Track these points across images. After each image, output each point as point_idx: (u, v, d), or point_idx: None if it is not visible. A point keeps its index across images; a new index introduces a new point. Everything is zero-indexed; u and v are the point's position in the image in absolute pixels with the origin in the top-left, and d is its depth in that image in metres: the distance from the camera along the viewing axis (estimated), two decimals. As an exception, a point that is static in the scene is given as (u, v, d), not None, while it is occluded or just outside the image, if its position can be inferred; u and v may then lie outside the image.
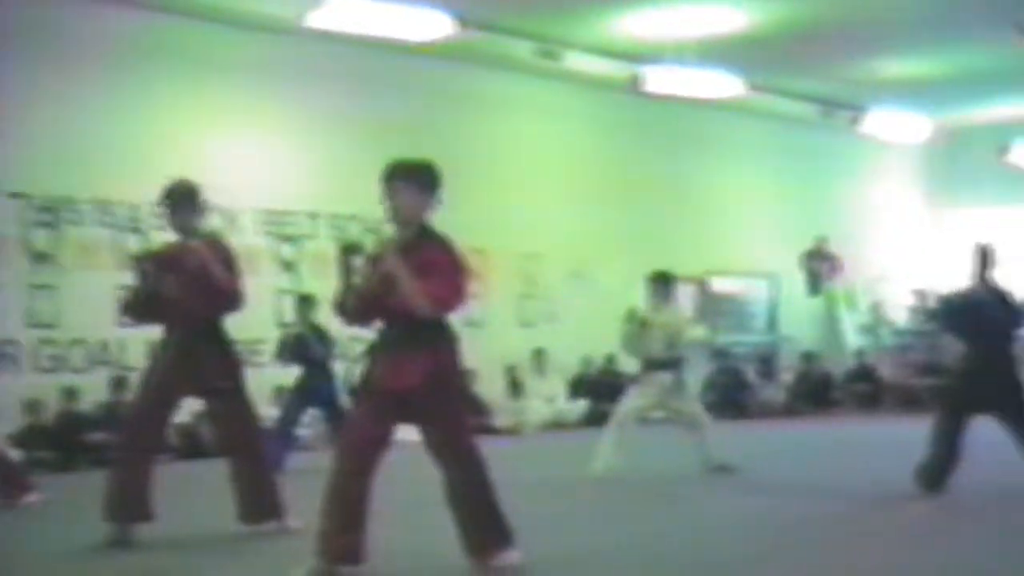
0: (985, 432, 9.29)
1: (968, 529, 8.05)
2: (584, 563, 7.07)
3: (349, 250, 6.37)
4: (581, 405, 18.56)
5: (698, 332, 11.79)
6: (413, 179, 6.23)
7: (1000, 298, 9.59)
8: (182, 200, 8.02)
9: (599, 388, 18.59)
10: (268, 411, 15.85)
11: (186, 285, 7.83)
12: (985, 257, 9.65)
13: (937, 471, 9.10)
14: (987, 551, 7.19)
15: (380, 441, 6.16)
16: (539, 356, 18.99)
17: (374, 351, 6.26)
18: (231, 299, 7.94)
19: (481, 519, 6.34)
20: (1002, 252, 25.48)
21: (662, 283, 11.45)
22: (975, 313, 9.38)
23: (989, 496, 9.24)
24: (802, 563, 6.97)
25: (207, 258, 7.83)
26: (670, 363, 11.23)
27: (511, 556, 6.40)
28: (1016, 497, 9.23)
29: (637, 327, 11.19)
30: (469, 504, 6.31)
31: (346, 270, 6.28)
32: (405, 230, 6.25)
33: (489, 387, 18.40)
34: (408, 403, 6.12)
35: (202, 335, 7.92)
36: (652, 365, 11.20)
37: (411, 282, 5.98)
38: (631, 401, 11.27)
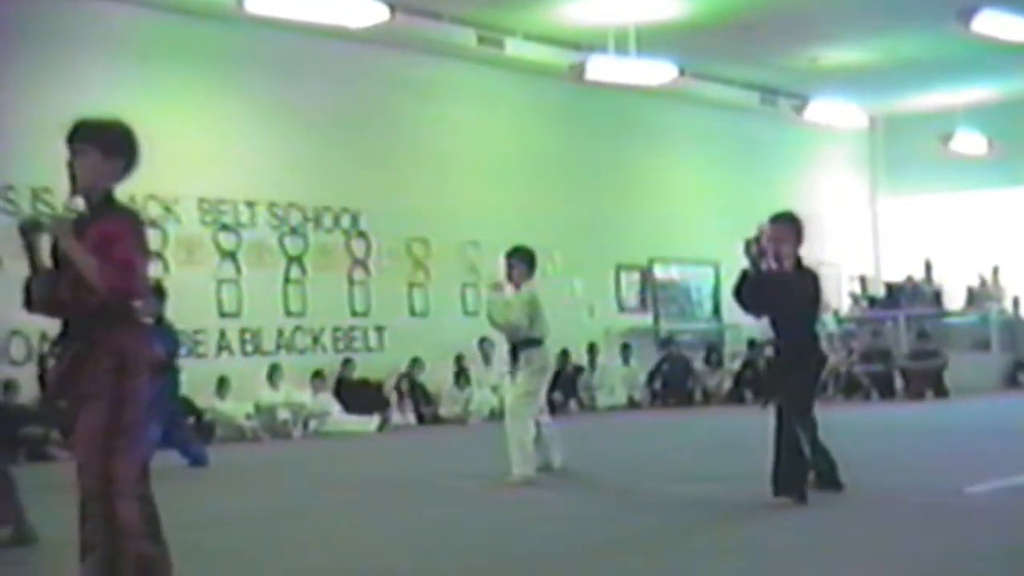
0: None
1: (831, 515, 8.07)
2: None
3: (29, 228, 5.27)
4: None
5: (512, 316, 10.21)
6: (96, 141, 5.19)
7: (808, 278, 8.39)
8: None
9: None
10: (212, 402, 15.82)
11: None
12: (794, 231, 8.35)
13: (826, 473, 8.31)
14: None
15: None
16: (484, 345, 18.90)
17: (57, 350, 5.40)
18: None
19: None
20: (946, 237, 25.81)
21: (519, 260, 10.31)
22: (774, 295, 8.20)
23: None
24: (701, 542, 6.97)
25: None
26: (515, 348, 10.32)
27: None
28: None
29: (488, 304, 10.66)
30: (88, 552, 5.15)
31: (30, 252, 5.22)
32: (88, 200, 5.19)
33: (436, 376, 18.33)
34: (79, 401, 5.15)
35: None
36: (517, 347, 10.30)
37: (86, 261, 4.98)
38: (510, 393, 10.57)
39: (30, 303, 5.32)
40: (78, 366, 5.12)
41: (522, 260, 10.34)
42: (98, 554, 5.02)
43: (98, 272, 4.96)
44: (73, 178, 5.20)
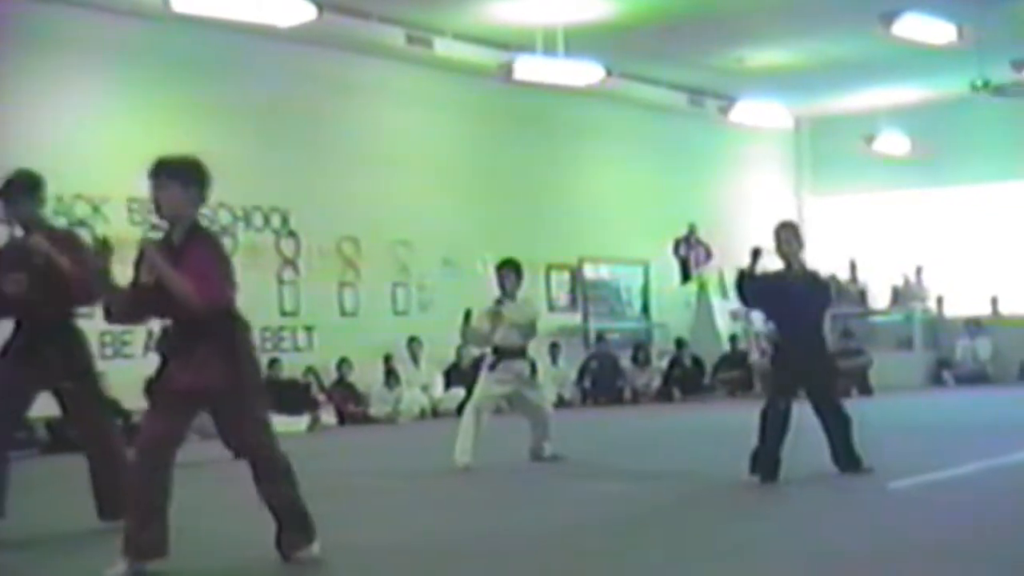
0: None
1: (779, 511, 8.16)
2: (426, 550, 7.04)
3: (100, 249, 6.31)
4: (456, 394, 18.46)
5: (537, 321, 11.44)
6: (178, 176, 6.12)
7: (810, 279, 9.38)
8: (20, 191, 7.56)
9: (474, 377, 18.46)
10: (140, 403, 15.63)
11: (32, 282, 7.42)
12: (794, 235, 9.31)
13: (768, 460, 8.85)
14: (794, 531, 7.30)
15: (173, 439, 6.17)
16: (413, 345, 18.89)
17: (164, 348, 6.23)
18: (80, 292, 7.54)
19: (283, 516, 6.36)
20: (871, 237, 26.11)
21: (512, 271, 11.08)
22: (782, 295, 9.13)
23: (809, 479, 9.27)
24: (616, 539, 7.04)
25: (50, 251, 7.35)
26: (523, 351, 11.07)
27: (311, 551, 6.39)
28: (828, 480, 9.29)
29: (487, 321, 10.89)
30: (272, 502, 6.36)
31: (102, 269, 6.21)
32: (173, 228, 6.18)
33: (365, 376, 18.28)
34: (203, 401, 6.17)
35: (48, 333, 7.55)
36: (507, 353, 10.94)
37: (175, 278, 5.92)
38: (487, 390, 10.98)
39: (110, 315, 6.32)
40: (193, 362, 5.98)
41: (512, 271, 11.06)
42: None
43: (187, 289, 5.87)
44: (158, 207, 6.11)
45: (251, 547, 6.70)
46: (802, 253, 9.31)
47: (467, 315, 11.03)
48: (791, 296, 9.09)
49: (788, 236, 9.23)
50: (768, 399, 9.15)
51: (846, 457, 9.18)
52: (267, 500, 6.34)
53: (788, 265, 9.22)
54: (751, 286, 9.34)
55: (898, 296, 24.73)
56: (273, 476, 6.29)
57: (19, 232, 7.77)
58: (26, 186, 7.62)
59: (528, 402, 11.17)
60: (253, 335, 6.46)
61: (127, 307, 6.24)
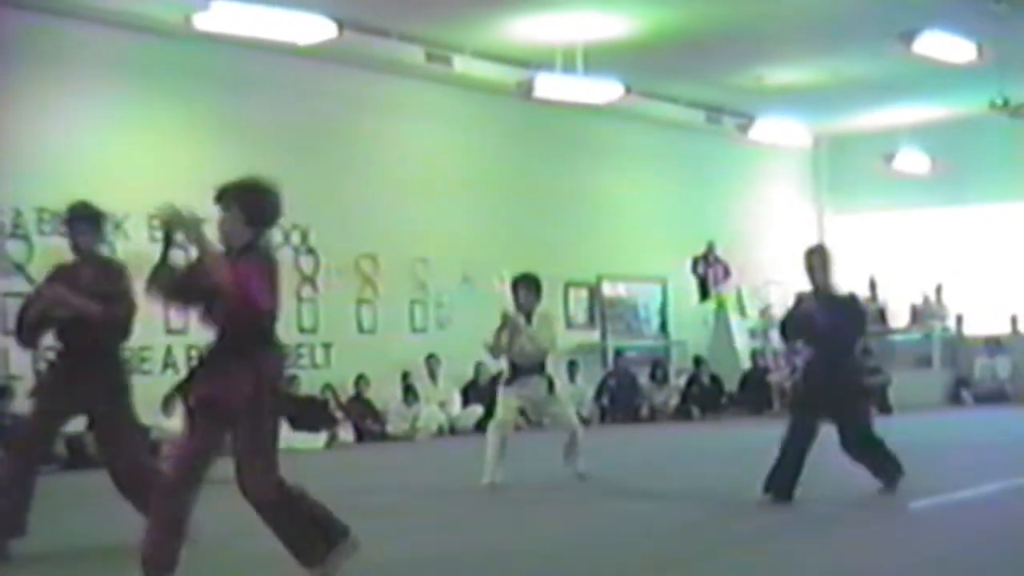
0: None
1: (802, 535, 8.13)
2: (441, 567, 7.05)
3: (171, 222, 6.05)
4: (475, 411, 18.49)
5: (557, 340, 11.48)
6: (237, 201, 6.06)
7: (841, 302, 9.44)
8: (83, 222, 7.88)
9: (492, 394, 18.47)
10: (157, 421, 15.65)
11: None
12: (823, 260, 9.36)
13: (784, 479, 8.94)
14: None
15: (197, 455, 6.07)
16: (431, 361, 18.89)
17: (200, 363, 6.19)
18: (108, 331, 7.73)
19: (301, 530, 6.28)
20: (890, 256, 26.03)
21: (527, 287, 10.97)
22: (808, 319, 9.23)
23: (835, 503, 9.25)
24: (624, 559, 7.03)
25: (68, 298, 7.60)
26: (540, 366, 10.99)
27: (337, 558, 6.31)
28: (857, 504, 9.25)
29: (510, 328, 10.81)
30: (278, 535, 6.26)
31: (166, 245, 6.04)
32: (230, 251, 6.06)
33: (383, 393, 18.28)
34: (222, 415, 6.03)
35: (90, 357, 7.74)
36: (523, 370, 10.92)
37: (216, 258, 5.78)
38: (507, 405, 11.00)
39: (161, 295, 6.15)
40: (222, 378, 5.88)
41: (528, 286, 10.93)
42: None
43: (227, 279, 5.70)
44: (221, 233, 6.00)
45: (283, 562, 6.70)
46: (830, 276, 9.39)
47: (504, 319, 10.86)
48: (819, 319, 9.15)
49: (817, 262, 9.33)
50: (793, 417, 9.23)
51: (882, 469, 9.22)
52: (275, 533, 6.24)
53: (816, 289, 9.29)
54: (788, 323, 9.73)
55: (917, 315, 24.65)
56: (275, 517, 6.17)
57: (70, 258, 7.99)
58: (89, 218, 7.91)
59: (554, 416, 11.21)
60: (285, 362, 6.31)
61: (177, 286, 6.11)
